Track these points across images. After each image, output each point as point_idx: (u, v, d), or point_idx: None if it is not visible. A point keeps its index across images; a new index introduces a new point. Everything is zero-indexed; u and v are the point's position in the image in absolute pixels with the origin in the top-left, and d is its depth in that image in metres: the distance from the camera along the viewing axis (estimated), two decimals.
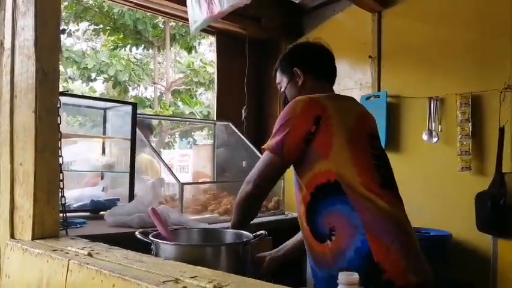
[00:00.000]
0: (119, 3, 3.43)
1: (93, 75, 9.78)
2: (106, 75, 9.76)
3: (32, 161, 1.44)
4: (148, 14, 6.65)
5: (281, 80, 1.79)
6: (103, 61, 9.49)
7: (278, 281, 1.01)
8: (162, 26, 10.09)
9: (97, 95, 10.75)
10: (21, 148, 1.49)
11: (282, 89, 1.78)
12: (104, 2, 9.22)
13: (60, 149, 1.52)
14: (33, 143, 1.44)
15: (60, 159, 1.52)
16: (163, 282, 1.00)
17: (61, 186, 1.52)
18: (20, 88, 1.50)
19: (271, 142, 1.54)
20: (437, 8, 3.33)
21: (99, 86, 11.49)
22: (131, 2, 3.28)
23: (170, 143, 12.42)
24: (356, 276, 1.00)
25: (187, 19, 3.53)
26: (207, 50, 12.58)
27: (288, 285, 1.01)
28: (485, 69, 3.06)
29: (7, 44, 1.56)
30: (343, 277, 1.00)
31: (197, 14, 1.64)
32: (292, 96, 1.69)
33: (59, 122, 1.52)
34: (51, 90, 1.50)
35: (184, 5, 3.24)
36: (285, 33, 4.10)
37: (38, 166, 1.44)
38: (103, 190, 2.35)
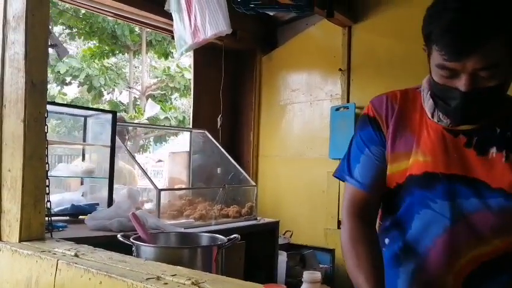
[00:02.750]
0: (99, 12, 3.51)
1: (67, 79, 9.76)
2: (80, 80, 9.76)
3: (20, 167, 1.53)
4: (127, 23, 6.72)
5: (499, 61, 1.01)
6: (75, 66, 9.49)
7: (251, 276, 1.13)
8: (139, 31, 10.13)
9: (68, 98, 10.70)
10: (10, 155, 1.57)
11: (495, 79, 1.03)
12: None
13: (47, 156, 1.61)
14: (22, 151, 1.53)
15: (46, 165, 1.61)
16: (146, 279, 1.11)
17: (47, 191, 1.62)
18: (10, 98, 1.59)
19: None
20: (404, 24, 3.50)
21: (74, 90, 11.44)
22: (111, 12, 3.37)
23: (146, 146, 12.44)
24: (318, 274, 1.14)
25: (165, 29, 3.66)
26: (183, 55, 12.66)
27: (259, 280, 1.12)
28: None
29: None
30: (307, 276, 1.12)
31: (183, 39, 1.77)
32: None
33: (46, 131, 1.61)
34: (40, 101, 1.60)
35: (163, 16, 3.37)
36: (260, 45, 4.26)
37: (26, 172, 1.53)
38: (82, 195, 2.44)
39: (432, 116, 1.17)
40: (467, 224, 1.12)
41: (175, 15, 1.74)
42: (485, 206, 1.10)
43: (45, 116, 1.62)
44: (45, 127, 1.62)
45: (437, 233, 1.15)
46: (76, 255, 1.33)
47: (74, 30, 9.96)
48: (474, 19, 0.98)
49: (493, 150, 1.11)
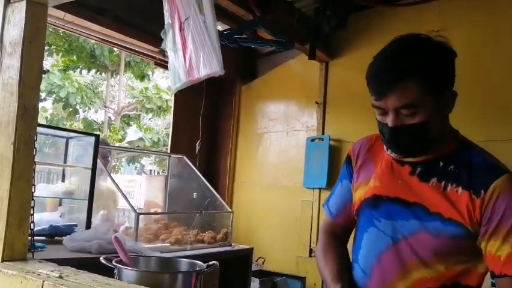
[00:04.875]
0: (86, 37, 3.58)
1: (43, 95, 9.67)
2: (57, 97, 9.67)
3: (8, 188, 1.57)
4: (110, 46, 6.79)
5: (416, 100, 1.18)
6: (55, 82, 9.41)
7: None
8: (118, 52, 10.18)
9: (46, 115, 10.58)
10: None
11: (418, 117, 1.18)
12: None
13: (34, 178, 1.66)
14: (10, 172, 1.57)
15: (33, 187, 1.65)
16: None
17: (32, 212, 1.65)
18: (1, 121, 1.64)
19: None
20: None
21: (48, 106, 11.32)
22: (96, 37, 3.44)
23: (117, 167, 12.33)
24: None
25: (149, 55, 3.75)
26: (160, 76, 12.75)
27: None
28: None
29: None
30: None
31: (178, 76, 1.86)
32: (440, 131, 1.25)
33: (34, 153, 1.66)
34: (30, 125, 1.65)
35: (147, 42, 3.46)
36: (240, 75, 4.40)
37: (12, 193, 1.57)
38: (61, 216, 2.46)
39: (387, 150, 1.34)
40: (408, 244, 1.24)
41: (170, 53, 1.83)
42: (424, 228, 1.22)
43: (35, 139, 1.68)
44: (34, 150, 1.67)
45: (381, 249, 1.29)
46: (61, 277, 1.37)
47: (52, 47, 9.91)
48: (392, 65, 1.22)
49: (434, 180, 1.24)
